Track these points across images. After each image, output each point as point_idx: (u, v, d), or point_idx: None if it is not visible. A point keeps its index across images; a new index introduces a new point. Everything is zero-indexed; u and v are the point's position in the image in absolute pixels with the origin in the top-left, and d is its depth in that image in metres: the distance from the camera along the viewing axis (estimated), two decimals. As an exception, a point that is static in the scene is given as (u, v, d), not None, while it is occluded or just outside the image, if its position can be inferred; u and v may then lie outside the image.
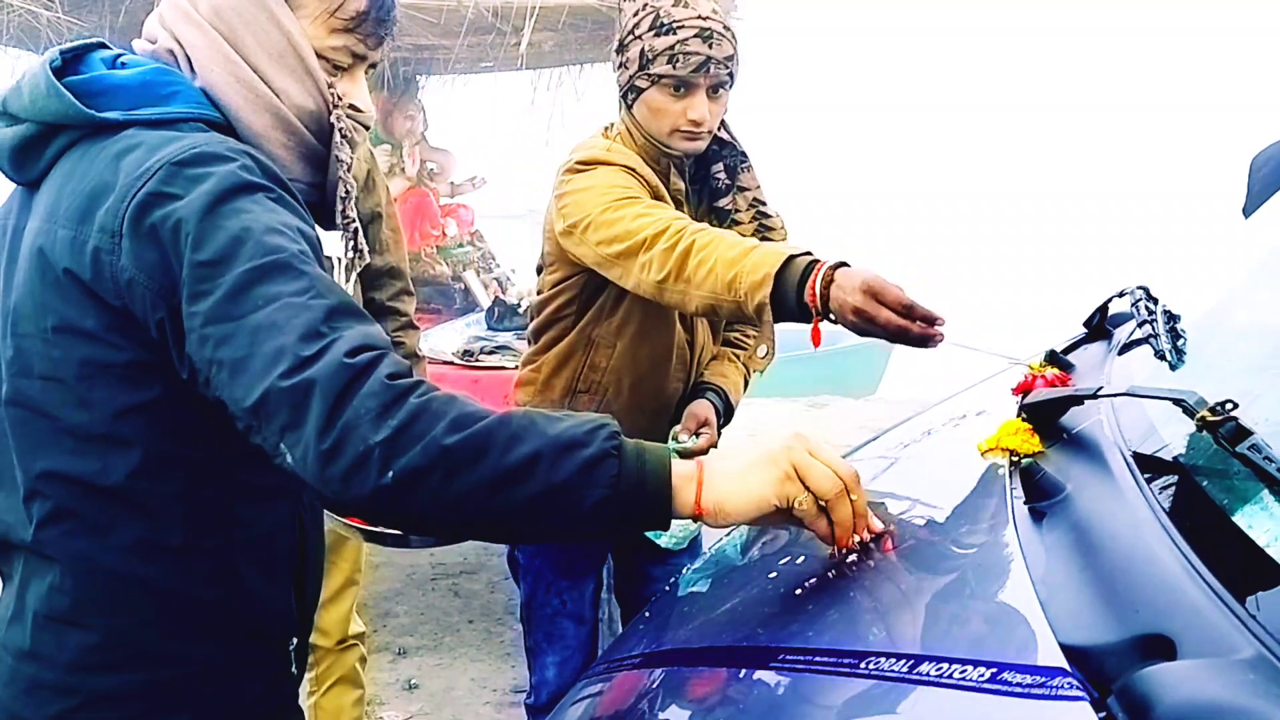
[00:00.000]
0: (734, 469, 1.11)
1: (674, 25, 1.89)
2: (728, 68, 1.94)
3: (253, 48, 1.21)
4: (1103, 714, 0.73)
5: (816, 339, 1.54)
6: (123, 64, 1.22)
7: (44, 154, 1.18)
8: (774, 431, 7.80)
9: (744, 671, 1.09)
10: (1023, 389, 1.49)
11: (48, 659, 1.17)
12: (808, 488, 1.11)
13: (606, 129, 2.14)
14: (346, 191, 1.31)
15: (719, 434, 2.12)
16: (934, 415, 1.86)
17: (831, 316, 1.54)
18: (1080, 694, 0.75)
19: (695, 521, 1.13)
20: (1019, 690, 0.78)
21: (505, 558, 4.63)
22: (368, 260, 2.21)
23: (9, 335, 1.17)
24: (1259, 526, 0.89)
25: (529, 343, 2.29)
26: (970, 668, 0.83)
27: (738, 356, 2.25)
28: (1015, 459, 1.30)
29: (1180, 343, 1.38)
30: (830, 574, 1.18)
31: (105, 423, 1.13)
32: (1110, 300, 1.80)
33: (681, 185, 2.06)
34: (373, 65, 1.35)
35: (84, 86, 1.16)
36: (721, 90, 1.97)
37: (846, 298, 1.50)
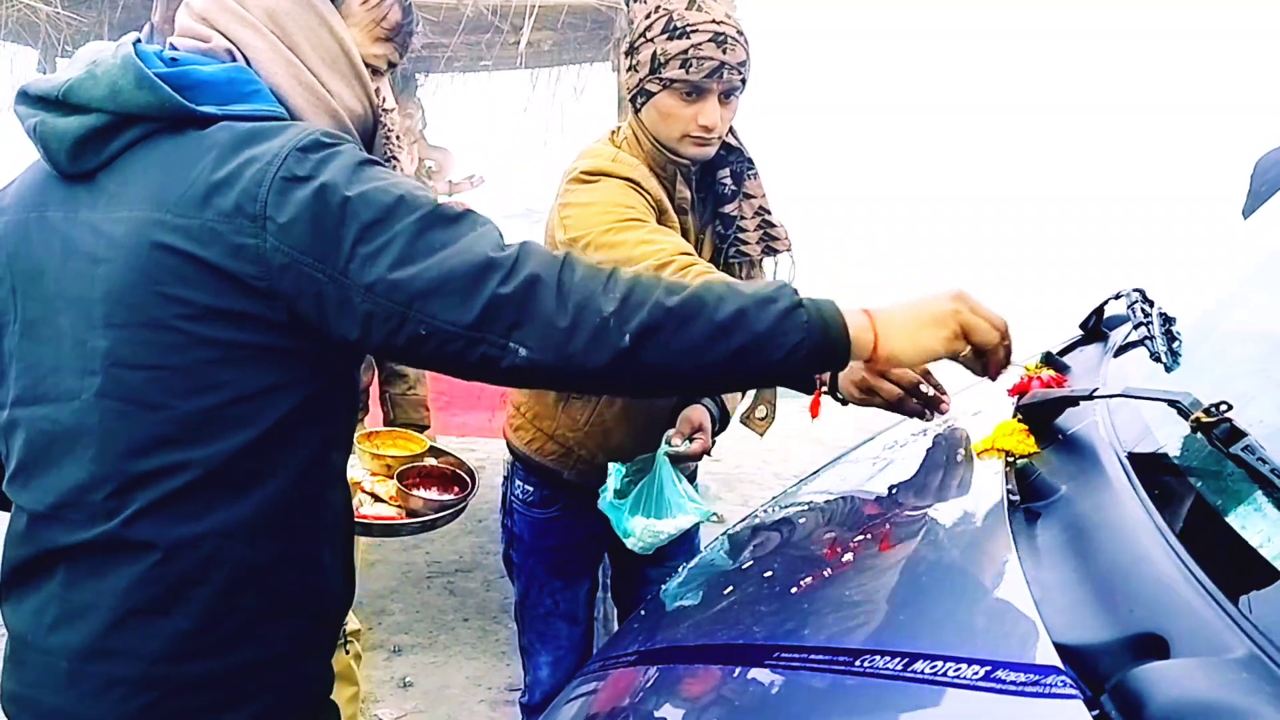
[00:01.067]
0: (906, 325, 1.24)
1: (688, 29, 1.85)
2: (740, 73, 1.91)
3: (308, 52, 1.26)
4: (1096, 712, 0.74)
5: (816, 410, 1.47)
6: (174, 60, 1.22)
7: (109, 146, 1.17)
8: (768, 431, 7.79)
9: (738, 669, 1.09)
10: (1018, 390, 1.50)
11: (128, 653, 1.16)
12: (971, 342, 1.28)
13: (613, 133, 2.10)
14: None
15: (713, 439, 2.09)
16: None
17: (838, 394, 1.49)
18: (1074, 692, 0.75)
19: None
20: (1013, 688, 0.79)
21: (500, 556, 4.64)
22: None
23: (101, 328, 1.14)
24: (1252, 527, 0.89)
25: None
26: (964, 666, 0.84)
27: None
28: (1010, 460, 1.31)
29: (1176, 345, 1.38)
30: (825, 573, 1.19)
31: (224, 406, 1.13)
32: (1106, 302, 1.80)
33: (687, 194, 2.02)
34: (392, 69, 1.42)
35: (177, 79, 1.16)
36: (733, 96, 1.94)
37: (853, 376, 1.46)
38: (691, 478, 2.35)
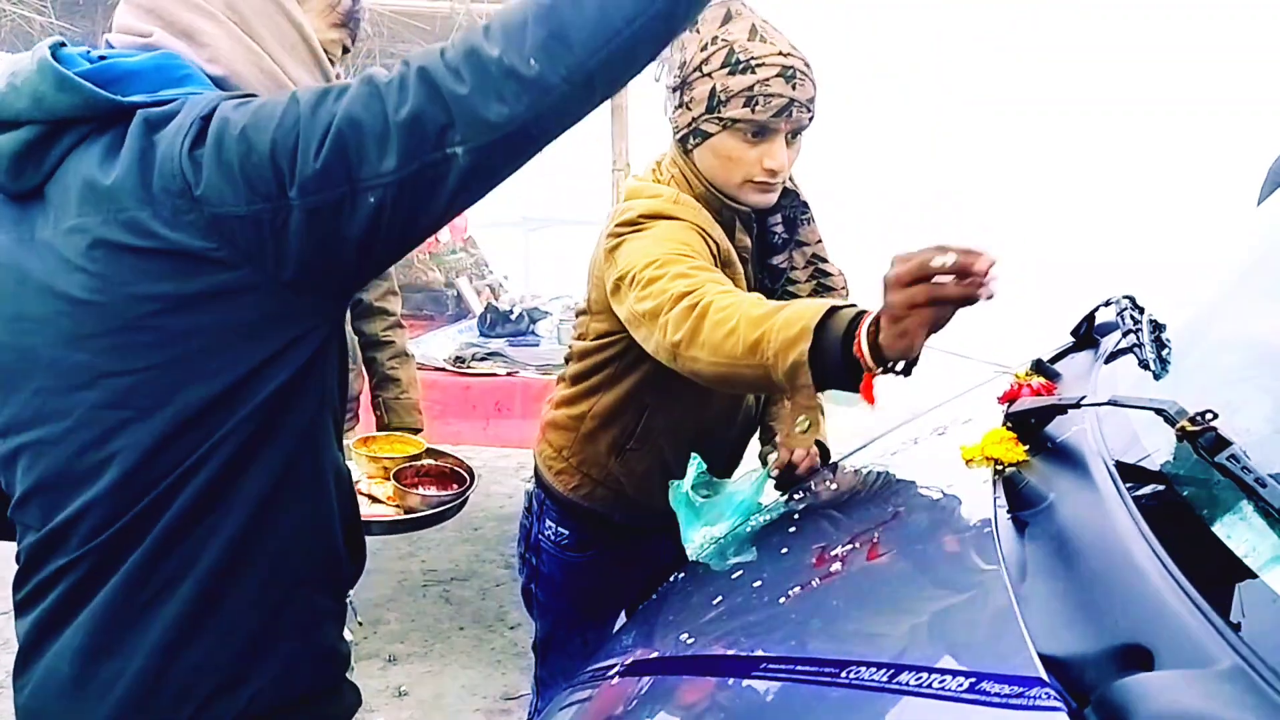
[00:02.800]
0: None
1: (753, 63, 1.66)
2: (810, 110, 1.73)
3: (268, 39, 1.25)
4: (1079, 724, 0.73)
5: (870, 395, 1.34)
6: (101, 58, 1.20)
7: (48, 157, 1.15)
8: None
9: (727, 680, 1.09)
10: (1008, 398, 1.50)
11: (128, 647, 1.15)
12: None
13: (655, 168, 1.90)
14: None
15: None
16: (920, 424, 1.86)
17: (888, 364, 1.31)
18: (1058, 704, 0.75)
19: None
20: (997, 700, 0.78)
21: (496, 565, 4.63)
22: None
23: (77, 342, 1.12)
24: (1238, 537, 0.89)
25: (566, 383, 2.05)
26: (949, 677, 0.83)
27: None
28: (999, 468, 1.31)
29: (1165, 352, 1.38)
30: (813, 583, 1.18)
31: (227, 387, 1.12)
32: (1097, 309, 1.80)
33: (748, 241, 1.84)
34: (345, 54, 1.43)
35: (97, 76, 1.14)
36: (799, 135, 1.76)
37: (884, 321, 1.27)
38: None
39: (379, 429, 2.78)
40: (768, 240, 1.85)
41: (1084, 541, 1.00)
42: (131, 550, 1.15)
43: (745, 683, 1.04)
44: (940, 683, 0.83)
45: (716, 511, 1.78)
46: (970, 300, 1.22)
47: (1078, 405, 1.25)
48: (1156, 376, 1.31)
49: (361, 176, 1.06)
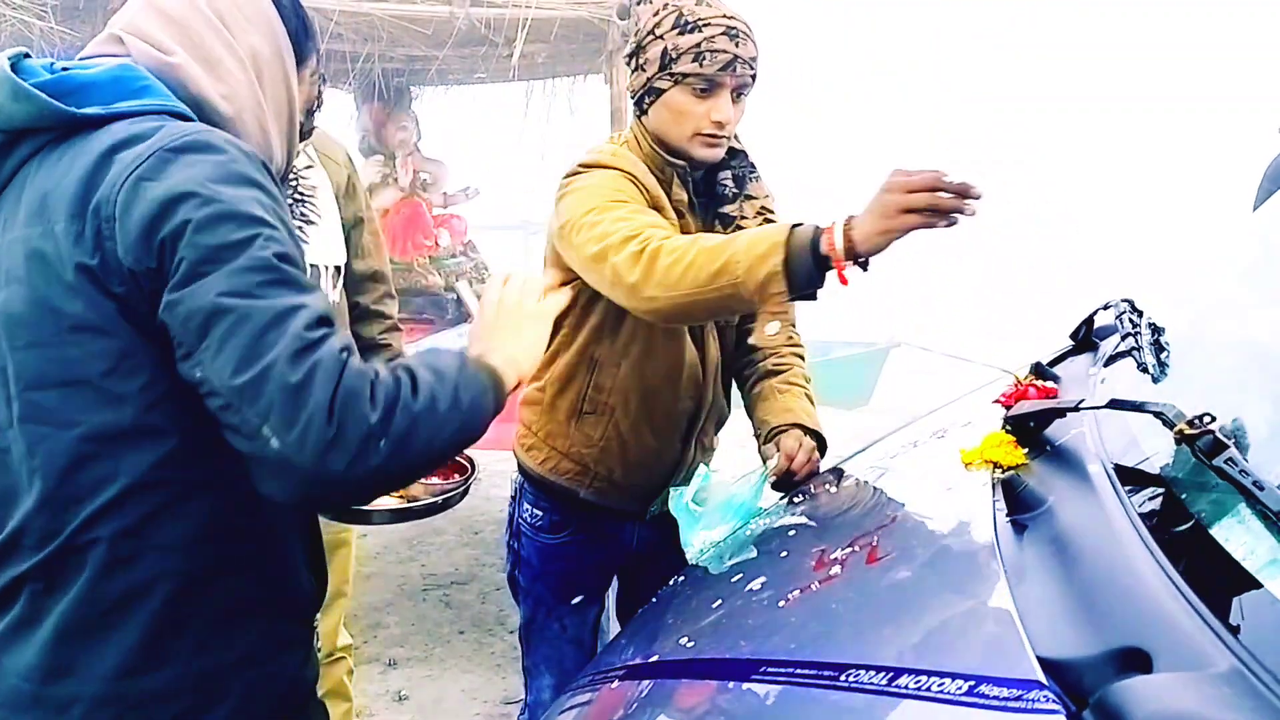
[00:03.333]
0: (504, 337, 1.35)
1: (700, 23, 1.83)
2: (752, 69, 1.88)
3: (269, 99, 1.30)
4: (1078, 727, 0.74)
5: (843, 277, 1.51)
6: (64, 69, 1.21)
7: (3, 167, 1.17)
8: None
9: (727, 683, 1.09)
10: (1007, 401, 1.50)
11: (82, 671, 1.15)
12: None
13: (613, 138, 2.08)
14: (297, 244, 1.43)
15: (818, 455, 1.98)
16: (920, 427, 1.87)
17: (857, 258, 1.51)
18: (1056, 707, 0.75)
19: None
20: (995, 703, 0.79)
21: (496, 569, 4.62)
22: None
23: (9, 352, 1.13)
24: (1235, 539, 0.89)
25: None
26: (948, 680, 0.84)
27: (791, 385, 2.12)
28: (998, 471, 1.31)
29: (1164, 356, 1.38)
30: (812, 586, 1.19)
31: (137, 416, 1.11)
32: (1096, 312, 1.81)
33: (684, 195, 1.97)
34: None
35: (53, 87, 1.15)
36: (743, 94, 1.91)
37: (869, 218, 1.49)
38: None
39: None
40: (717, 193, 1.98)
41: (1083, 545, 1.00)
42: (80, 570, 1.14)
43: (745, 686, 1.05)
44: (939, 686, 0.84)
45: (716, 515, 1.79)
46: (956, 212, 1.45)
47: (1076, 408, 1.25)
48: (1155, 380, 1.32)
49: (207, 355, 1.05)
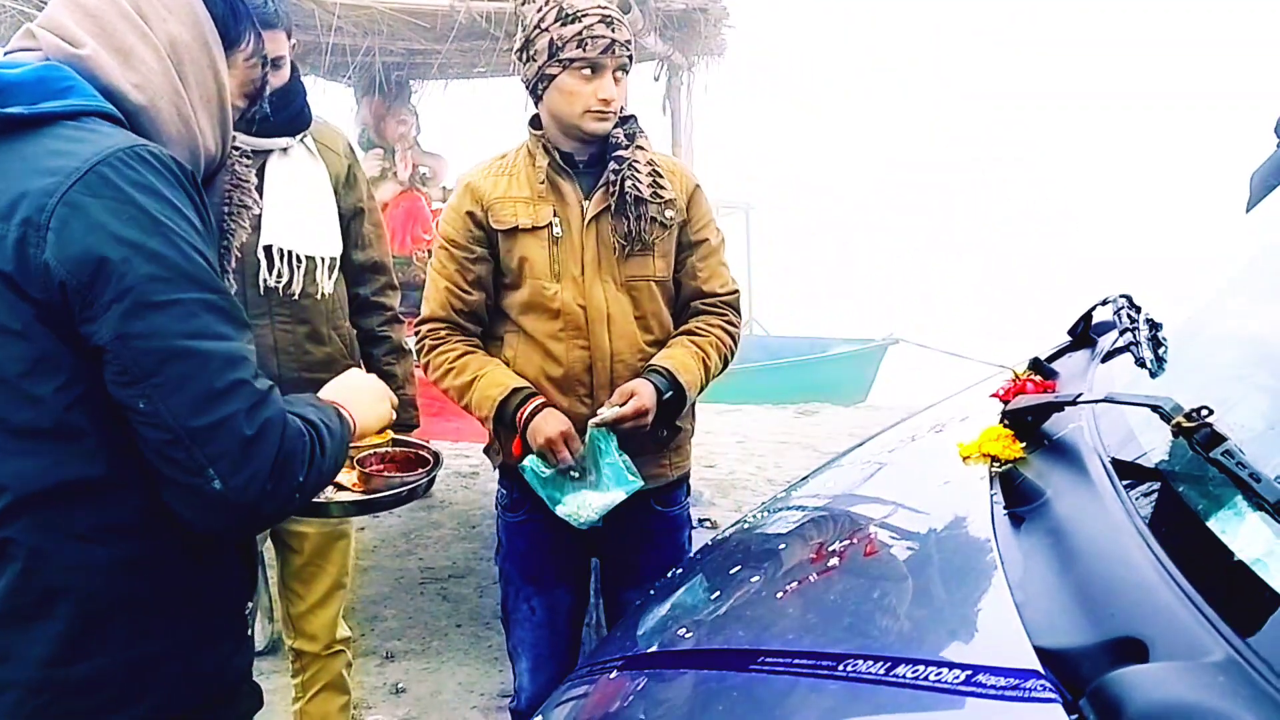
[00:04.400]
0: (356, 402, 1.46)
1: (578, 14, 2.07)
2: (628, 50, 2.12)
3: (193, 86, 1.28)
4: (1074, 716, 0.74)
5: (517, 450, 2.10)
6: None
7: None
8: (762, 438, 7.81)
9: (725, 674, 1.09)
10: (1006, 396, 1.50)
11: (14, 658, 1.17)
12: None
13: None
14: (231, 231, 1.54)
15: (659, 412, 2.10)
16: (919, 421, 1.87)
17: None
18: (1053, 696, 0.76)
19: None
20: (993, 692, 0.79)
21: (493, 563, 4.63)
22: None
23: None
24: (1232, 531, 0.90)
25: None
26: (945, 670, 0.84)
27: (694, 339, 2.23)
28: (996, 464, 1.31)
29: (1161, 350, 1.39)
30: (811, 577, 1.19)
31: (55, 416, 1.13)
32: (1094, 308, 1.81)
33: (545, 162, 2.17)
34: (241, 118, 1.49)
35: None
36: (623, 73, 2.13)
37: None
38: (682, 481, 2.35)
39: None
40: (613, 144, 2.18)
41: (1080, 536, 1.01)
42: (11, 560, 1.15)
43: (743, 677, 1.05)
44: (937, 675, 0.84)
45: (570, 477, 2.08)
46: None
47: (1074, 402, 1.25)
48: (1153, 374, 1.32)
49: (162, 394, 1.10)
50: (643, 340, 2.20)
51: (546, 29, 2.10)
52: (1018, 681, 0.78)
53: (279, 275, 2.31)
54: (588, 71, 2.08)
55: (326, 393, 1.46)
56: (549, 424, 2.06)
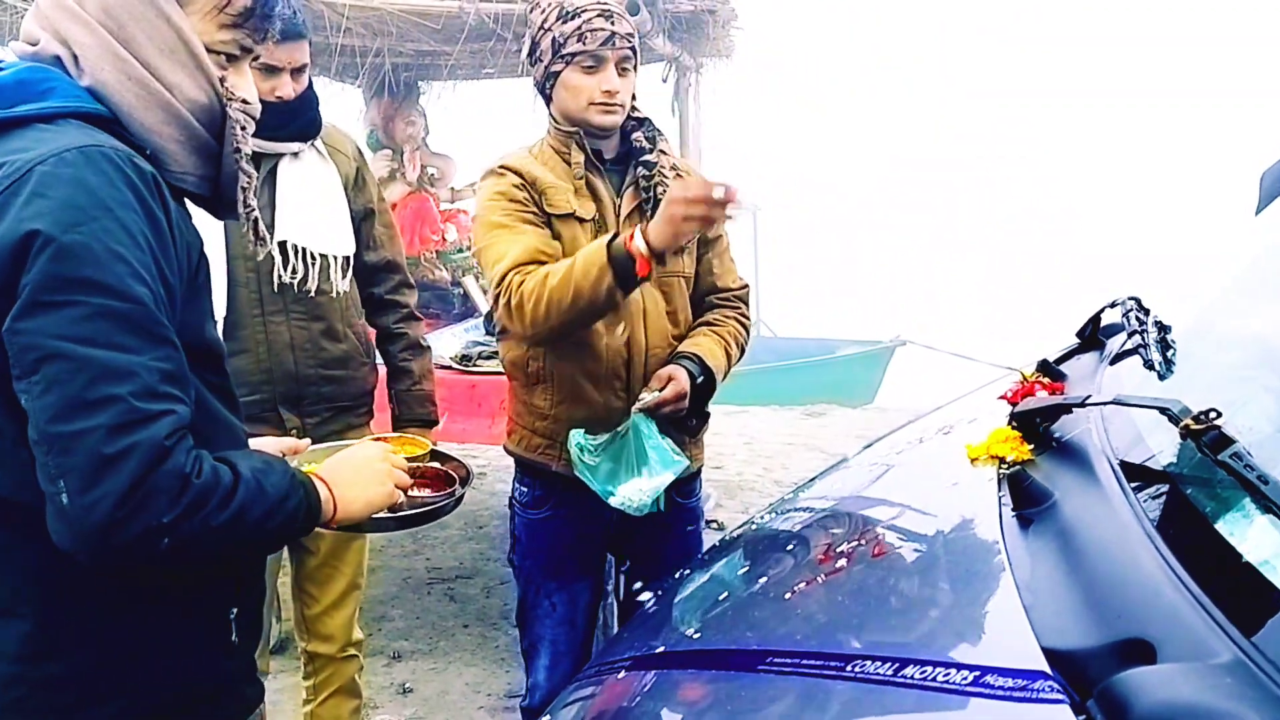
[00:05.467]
0: (349, 482, 1.38)
1: (577, 10, 2.11)
2: (630, 43, 2.15)
3: (144, 44, 1.22)
4: (1082, 717, 0.74)
5: (645, 267, 1.91)
6: None
7: None
8: (769, 439, 7.81)
9: (733, 674, 1.10)
10: (1014, 398, 1.51)
11: None
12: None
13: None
14: (247, 181, 1.35)
15: (691, 397, 2.12)
16: (926, 423, 1.87)
17: (656, 254, 1.90)
18: (1061, 697, 0.76)
19: None
20: (1001, 693, 0.79)
21: (500, 563, 4.64)
22: (268, 246, 2.25)
23: None
24: (1240, 533, 0.90)
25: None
26: (954, 670, 0.84)
27: (714, 330, 2.27)
28: (1004, 466, 1.31)
29: (1170, 353, 1.39)
30: (819, 578, 1.19)
31: (7, 416, 1.11)
32: (1103, 310, 1.81)
33: (580, 158, 2.20)
34: (256, 57, 1.38)
35: None
36: (628, 67, 2.16)
37: (659, 225, 1.88)
38: (699, 473, 2.37)
39: (392, 421, 2.77)
40: (637, 149, 2.24)
41: (1088, 538, 1.01)
42: None
43: (751, 677, 1.05)
44: (945, 676, 0.84)
45: (616, 459, 2.08)
46: (725, 216, 1.87)
47: (1082, 404, 1.26)
48: (1161, 377, 1.32)
49: (35, 390, 1.06)
50: (671, 334, 2.24)
51: (549, 28, 2.15)
52: (1025, 682, 0.79)
53: (294, 271, 2.33)
54: (590, 65, 2.12)
55: (328, 466, 1.40)
56: (675, 191, 1.92)
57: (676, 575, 1.65)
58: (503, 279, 2.05)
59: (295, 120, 2.32)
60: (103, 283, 1.08)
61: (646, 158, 2.20)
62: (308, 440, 1.78)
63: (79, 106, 1.18)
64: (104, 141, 1.14)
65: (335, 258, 2.41)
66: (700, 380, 2.13)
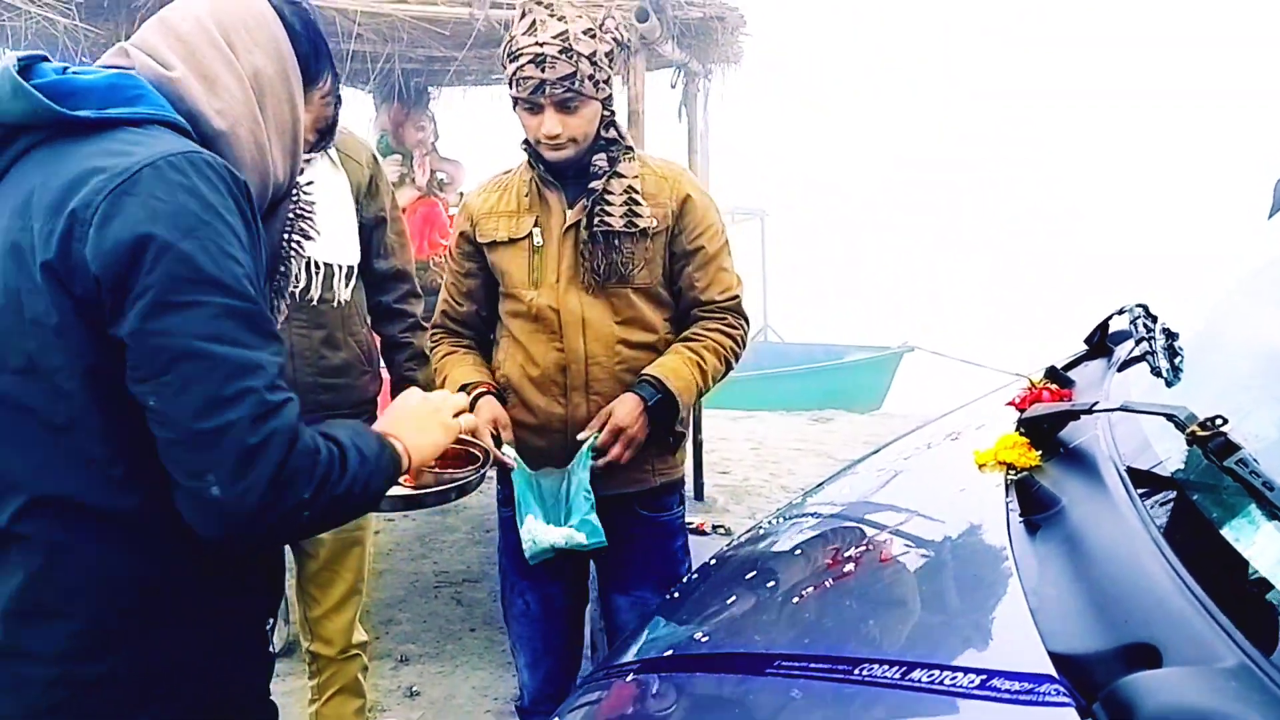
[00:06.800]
0: (412, 429, 1.43)
1: (517, 52, 2.08)
2: (566, 86, 2.07)
3: (270, 118, 1.33)
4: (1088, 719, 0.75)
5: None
6: (75, 74, 1.25)
7: (1, 157, 1.21)
8: (777, 445, 7.81)
9: (740, 678, 1.10)
10: (1022, 404, 1.51)
11: (32, 653, 1.18)
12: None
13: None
14: (289, 257, 1.51)
15: (656, 416, 2.14)
16: (934, 429, 1.88)
17: None
18: (1067, 700, 0.77)
19: None
20: (1007, 696, 0.80)
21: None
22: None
23: None
24: (1245, 539, 0.90)
25: None
26: (960, 674, 0.85)
27: (688, 344, 2.24)
28: (1012, 472, 1.32)
29: (1177, 360, 1.39)
30: (826, 583, 1.20)
31: (84, 410, 1.15)
32: (1111, 317, 1.81)
33: (534, 175, 2.25)
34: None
35: (52, 88, 1.19)
36: (573, 105, 2.11)
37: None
38: (672, 488, 2.35)
39: None
40: (592, 172, 2.21)
41: (1094, 543, 1.02)
42: (27, 554, 1.17)
43: (758, 681, 1.06)
44: (952, 679, 0.85)
45: (544, 492, 2.12)
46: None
47: (1089, 410, 1.26)
48: (1169, 383, 1.33)
49: (170, 390, 1.11)
50: (625, 343, 2.22)
51: (505, 63, 2.16)
52: (1032, 686, 0.79)
53: (296, 280, 2.34)
54: (529, 108, 2.13)
55: (382, 423, 1.45)
56: (480, 411, 2.12)
57: (685, 579, 1.66)
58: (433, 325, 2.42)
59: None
60: (223, 282, 1.13)
61: (593, 185, 2.18)
62: None
63: (165, 116, 1.24)
64: (201, 149, 1.21)
65: (339, 267, 2.42)
66: (656, 400, 2.12)
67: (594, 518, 2.04)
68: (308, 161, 2.20)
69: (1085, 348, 1.90)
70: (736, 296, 2.30)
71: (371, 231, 2.54)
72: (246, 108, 1.30)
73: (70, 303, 1.12)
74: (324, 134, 1.50)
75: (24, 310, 1.14)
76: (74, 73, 1.25)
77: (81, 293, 1.12)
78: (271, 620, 1.40)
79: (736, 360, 2.30)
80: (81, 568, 1.18)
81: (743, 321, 2.31)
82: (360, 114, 5.89)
